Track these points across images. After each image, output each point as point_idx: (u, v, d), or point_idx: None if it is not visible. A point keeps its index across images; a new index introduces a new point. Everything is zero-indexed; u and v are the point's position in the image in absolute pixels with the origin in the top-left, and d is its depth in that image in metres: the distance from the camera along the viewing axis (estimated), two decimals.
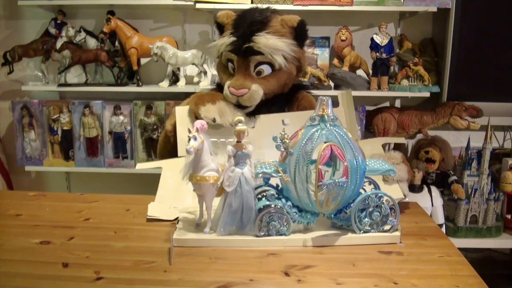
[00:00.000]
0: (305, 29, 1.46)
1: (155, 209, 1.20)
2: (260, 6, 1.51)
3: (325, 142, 0.94)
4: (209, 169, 1.00)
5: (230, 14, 1.50)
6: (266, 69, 1.43)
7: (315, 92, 1.71)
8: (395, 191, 1.20)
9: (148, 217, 1.17)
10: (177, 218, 1.14)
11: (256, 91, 1.41)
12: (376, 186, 1.07)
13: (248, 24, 1.40)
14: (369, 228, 1.03)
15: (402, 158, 1.31)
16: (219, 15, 1.52)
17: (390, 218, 1.02)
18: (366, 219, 1.01)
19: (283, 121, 1.39)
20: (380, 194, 1.02)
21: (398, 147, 2.29)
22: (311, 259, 0.95)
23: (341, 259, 0.95)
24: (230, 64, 1.47)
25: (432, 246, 1.02)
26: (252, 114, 1.45)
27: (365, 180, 1.05)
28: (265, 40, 1.37)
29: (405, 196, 1.24)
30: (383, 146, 1.42)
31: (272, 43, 1.38)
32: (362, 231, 1.02)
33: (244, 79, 1.41)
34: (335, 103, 1.44)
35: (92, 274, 0.87)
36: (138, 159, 2.31)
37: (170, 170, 1.27)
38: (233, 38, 1.41)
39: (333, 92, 2.18)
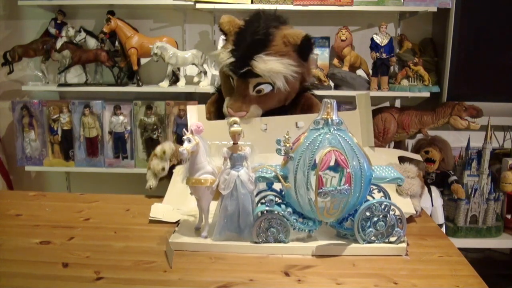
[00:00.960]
0: (310, 44, 1.39)
1: (157, 211, 1.19)
2: (266, 13, 1.43)
3: (331, 147, 0.91)
4: (204, 171, 0.98)
5: (233, 22, 1.44)
6: (266, 88, 1.38)
7: (316, 92, 1.70)
8: (407, 206, 1.16)
9: (150, 218, 1.17)
10: (178, 220, 1.13)
11: (254, 112, 1.40)
12: (386, 195, 1.01)
13: (248, 44, 1.35)
14: (374, 239, 0.98)
15: (418, 173, 1.26)
16: (222, 21, 1.46)
17: (396, 229, 0.97)
18: (370, 229, 0.96)
19: (296, 123, 1.36)
20: (385, 203, 0.97)
21: (398, 147, 2.30)
22: (311, 259, 0.95)
23: (341, 259, 0.95)
24: (230, 79, 1.43)
25: (432, 246, 1.02)
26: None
27: (375, 187, 1.01)
28: (263, 65, 1.32)
29: (416, 212, 1.20)
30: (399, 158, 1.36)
31: (272, 68, 1.32)
32: (366, 242, 0.97)
33: (243, 101, 1.38)
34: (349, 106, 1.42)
35: (92, 274, 0.87)
36: (138, 159, 2.31)
37: (181, 174, 1.25)
38: (232, 59, 1.36)
39: (342, 93, 2.18)
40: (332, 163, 0.91)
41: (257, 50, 1.34)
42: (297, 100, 1.51)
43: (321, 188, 0.89)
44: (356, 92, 2.14)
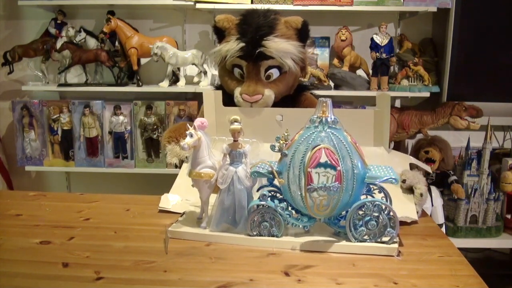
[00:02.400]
0: (308, 29, 1.47)
1: (167, 201, 1.21)
2: (261, 8, 1.48)
3: (322, 145, 0.92)
4: (205, 166, 1.01)
5: (230, 18, 1.47)
6: (275, 73, 1.42)
7: (316, 92, 1.70)
8: (411, 211, 1.16)
9: (159, 208, 1.19)
10: (184, 212, 1.15)
11: (269, 96, 1.40)
12: (387, 196, 1.01)
13: (255, 28, 1.38)
14: (366, 238, 0.98)
15: (425, 183, 1.26)
16: (218, 19, 1.49)
17: (388, 229, 0.97)
18: (362, 228, 0.97)
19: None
20: (377, 203, 0.97)
21: (398, 147, 2.30)
22: (311, 259, 0.95)
23: (341, 259, 0.95)
24: (237, 70, 1.44)
25: (432, 246, 1.02)
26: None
27: (375, 188, 1.02)
28: (275, 44, 1.36)
29: (418, 212, 1.19)
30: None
31: (283, 47, 1.37)
32: (357, 240, 0.98)
33: (256, 85, 1.40)
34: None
35: (92, 274, 0.87)
36: (138, 159, 2.31)
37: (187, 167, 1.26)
38: (242, 44, 1.38)
39: (342, 92, 2.18)
40: (328, 161, 0.92)
41: (265, 33, 1.38)
42: (297, 99, 1.52)
43: (310, 185, 0.91)
44: (357, 93, 2.15)
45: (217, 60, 1.49)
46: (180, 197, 1.24)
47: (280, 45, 1.37)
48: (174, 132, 1.46)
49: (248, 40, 1.38)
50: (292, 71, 1.42)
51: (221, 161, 1.03)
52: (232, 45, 1.40)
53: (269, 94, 1.41)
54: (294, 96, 1.52)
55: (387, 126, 1.37)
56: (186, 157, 1.37)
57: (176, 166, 1.39)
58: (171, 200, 1.22)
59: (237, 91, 1.42)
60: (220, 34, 1.51)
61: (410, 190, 1.22)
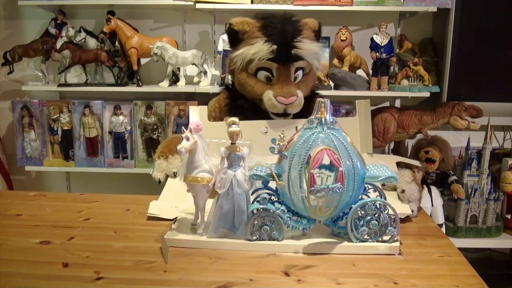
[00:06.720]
0: (321, 30, 1.52)
1: (156, 208, 1.20)
2: (280, 12, 1.52)
3: (324, 146, 0.92)
4: (201, 170, 0.99)
5: (249, 21, 1.45)
6: (300, 74, 1.45)
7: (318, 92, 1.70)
8: (403, 206, 1.17)
9: (148, 215, 1.18)
10: (176, 217, 1.14)
11: (301, 97, 1.42)
12: (382, 195, 1.02)
13: (284, 31, 1.39)
14: (367, 237, 0.98)
15: (413, 177, 1.27)
16: (235, 22, 1.45)
17: (389, 228, 0.97)
18: (363, 228, 0.97)
19: (296, 127, 1.36)
20: (378, 202, 0.97)
21: (398, 147, 2.30)
22: (311, 259, 0.95)
23: (341, 259, 0.95)
24: (262, 73, 1.42)
25: (432, 246, 1.02)
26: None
27: (370, 187, 1.02)
28: (306, 45, 1.39)
29: (412, 211, 1.20)
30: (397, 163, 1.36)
31: (313, 48, 1.41)
32: (359, 240, 0.98)
33: (290, 86, 1.40)
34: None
35: (92, 274, 0.88)
36: (138, 159, 2.31)
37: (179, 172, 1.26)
38: (274, 46, 1.37)
39: (342, 93, 2.18)
40: (326, 162, 0.91)
41: (294, 35, 1.40)
42: (308, 106, 1.48)
43: (313, 186, 0.90)
44: (357, 93, 2.15)
45: (238, 64, 1.43)
46: (169, 203, 1.23)
47: (310, 46, 1.40)
48: (166, 147, 1.44)
49: (280, 42, 1.38)
50: (314, 72, 1.46)
51: (218, 165, 1.00)
52: (262, 48, 1.38)
53: (301, 95, 1.42)
54: (309, 99, 1.50)
55: (369, 131, 1.38)
56: (174, 173, 1.35)
57: (159, 182, 1.36)
58: (159, 207, 1.20)
59: (270, 94, 1.39)
60: (235, 37, 1.47)
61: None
